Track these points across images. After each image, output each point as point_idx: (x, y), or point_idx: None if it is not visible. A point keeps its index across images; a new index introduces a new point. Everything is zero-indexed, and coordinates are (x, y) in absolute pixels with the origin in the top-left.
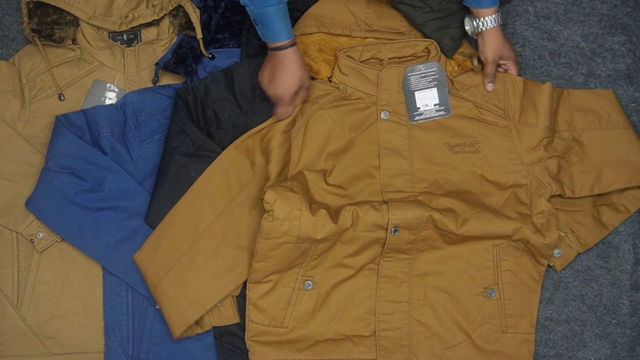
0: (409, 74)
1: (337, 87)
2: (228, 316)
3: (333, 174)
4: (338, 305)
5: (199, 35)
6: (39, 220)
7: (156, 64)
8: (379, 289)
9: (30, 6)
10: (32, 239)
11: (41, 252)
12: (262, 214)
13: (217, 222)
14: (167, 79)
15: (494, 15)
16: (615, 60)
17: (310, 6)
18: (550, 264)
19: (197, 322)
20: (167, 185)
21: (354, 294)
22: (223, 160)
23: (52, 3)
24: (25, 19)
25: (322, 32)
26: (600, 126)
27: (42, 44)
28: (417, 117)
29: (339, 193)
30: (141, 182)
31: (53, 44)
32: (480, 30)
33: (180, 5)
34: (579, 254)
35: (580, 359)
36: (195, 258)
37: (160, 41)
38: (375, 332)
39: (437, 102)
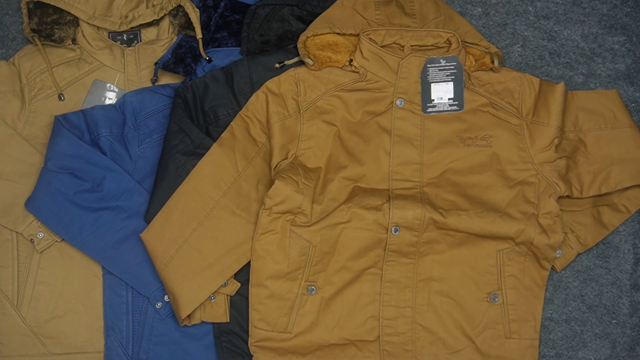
0: (428, 65)
1: (357, 72)
2: (219, 314)
3: (343, 157)
4: (342, 311)
5: (199, 35)
6: (39, 220)
7: (155, 64)
8: (382, 294)
9: (30, 6)
10: (32, 239)
11: (41, 252)
12: (268, 189)
13: (226, 197)
14: (166, 79)
15: None
16: (615, 60)
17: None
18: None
19: (187, 315)
20: (166, 183)
21: (358, 299)
22: (228, 137)
23: (52, 3)
24: (25, 19)
25: (334, 33)
26: (605, 126)
27: (42, 44)
28: (429, 109)
29: (346, 177)
30: (140, 182)
31: (53, 44)
32: None
33: (180, 5)
34: (579, 254)
35: (580, 359)
36: (205, 234)
37: (160, 41)
38: (379, 337)
39: (452, 96)
